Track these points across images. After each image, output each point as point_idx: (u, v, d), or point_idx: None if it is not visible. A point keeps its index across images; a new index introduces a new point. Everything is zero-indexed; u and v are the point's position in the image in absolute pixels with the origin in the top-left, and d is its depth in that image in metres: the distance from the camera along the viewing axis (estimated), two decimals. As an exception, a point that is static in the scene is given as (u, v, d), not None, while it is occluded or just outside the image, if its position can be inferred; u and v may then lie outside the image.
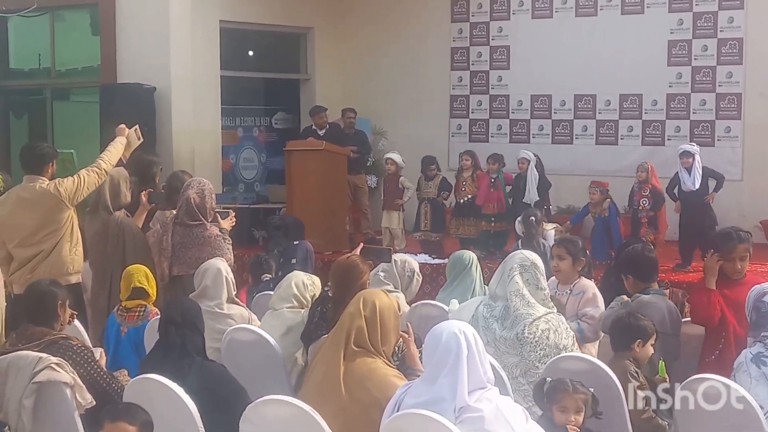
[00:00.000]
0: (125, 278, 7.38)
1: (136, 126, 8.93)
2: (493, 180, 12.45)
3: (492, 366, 5.48)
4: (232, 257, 7.97)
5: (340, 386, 5.01)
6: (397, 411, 4.54)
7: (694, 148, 11.59)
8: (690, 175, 11.44)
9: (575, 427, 4.98)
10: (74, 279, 8.14)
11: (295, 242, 10.03)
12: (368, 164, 15.15)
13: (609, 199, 11.75)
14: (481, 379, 4.41)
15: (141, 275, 7.34)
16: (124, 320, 7.23)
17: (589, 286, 7.15)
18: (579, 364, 5.61)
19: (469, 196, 12.60)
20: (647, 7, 14.42)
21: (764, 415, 5.07)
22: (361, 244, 7.48)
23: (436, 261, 12.31)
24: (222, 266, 7.06)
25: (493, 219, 12.42)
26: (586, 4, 14.85)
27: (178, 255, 7.95)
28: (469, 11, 15.85)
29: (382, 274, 7.83)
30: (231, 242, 8.09)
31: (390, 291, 7.52)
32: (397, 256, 8.09)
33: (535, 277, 6.11)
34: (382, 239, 13.10)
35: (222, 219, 8.14)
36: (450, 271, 7.99)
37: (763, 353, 5.39)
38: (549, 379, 5.20)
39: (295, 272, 7.19)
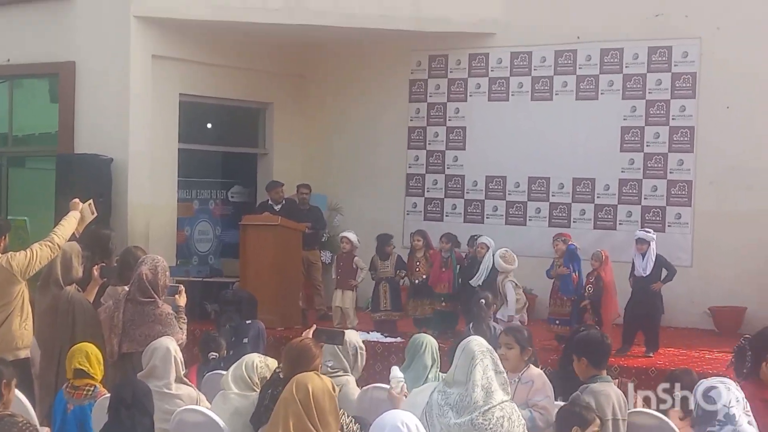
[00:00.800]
0: (68, 358, 7.34)
1: (90, 201, 8.93)
2: (445, 259, 12.54)
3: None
4: (185, 336, 7.94)
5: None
6: None
7: (650, 235, 11.69)
8: (643, 260, 11.57)
9: None
10: (23, 354, 8.09)
11: (248, 321, 10.01)
12: (323, 240, 15.19)
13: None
14: None
15: (82, 356, 7.27)
16: (71, 398, 7.17)
17: (538, 375, 7.20)
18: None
19: (424, 276, 12.67)
20: (601, 93, 14.69)
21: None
22: (314, 326, 7.47)
23: (388, 339, 12.31)
24: (171, 345, 7.03)
25: (443, 298, 12.48)
26: (541, 88, 15.10)
27: (128, 332, 7.86)
28: (427, 92, 16.07)
29: (330, 363, 7.77)
30: (186, 320, 8.08)
31: (340, 376, 7.53)
32: None
33: (494, 363, 6.16)
34: (333, 317, 13.09)
35: (172, 295, 8.13)
36: (407, 353, 8.00)
37: (708, 448, 5.46)
38: None
39: (251, 356, 7.16)
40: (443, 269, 12.52)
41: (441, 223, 15.27)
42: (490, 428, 5.95)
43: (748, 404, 5.52)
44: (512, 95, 15.39)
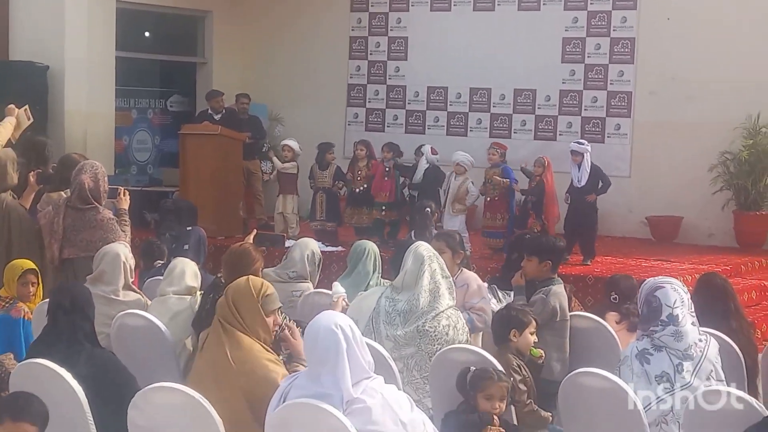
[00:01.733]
0: None
1: (26, 106, 8.83)
2: (387, 169, 12.53)
3: (384, 357, 5.59)
4: (129, 239, 7.91)
5: (230, 368, 5.03)
6: (283, 402, 4.58)
7: (583, 146, 11.67)
8: (579, 171, 11.61)
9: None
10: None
11: (188, 228, 9.94)
12: (263, 150, 15.09)
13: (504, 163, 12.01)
14: (364, 368, 4.47)
15: None
16: None
17: (472, 278, 7.31)
18: (467, 356, 5.71)
19: (364, 186, 12.65)
20: (543, 4, 14.61)
21: (644, 410, 5.22)
22: (255, 231, 7.49)
23: (329, 249, 12.32)
24: (122, 251, 7.02)
25: (384, 207, 12.49)
26: (483, -2, 15.03)
27: (69, 238, 7.88)
28: (369, 1, 15.89)
29: (293, 271, 7.84)
30: (129, 223, 8.04)
31: (301, 283, 7.59)
32: (301, 244, 8.10)
33: (441, 267, 6.30)
34: (275, 225, 13.07)
35: (113, 198, 8.09)
36: (349, 260, 8.05)
37: (648, 350, 5.50)
38: (473, 368, 5.33)
39: (186, 261, 7.15)
40: (385, 178, 12.52)
41: (382, 134, 15.20)
42: (436, 336, 6.07)
43: (693, 305, 5.61)
44: (454, 5, 15.27)
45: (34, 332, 6.49)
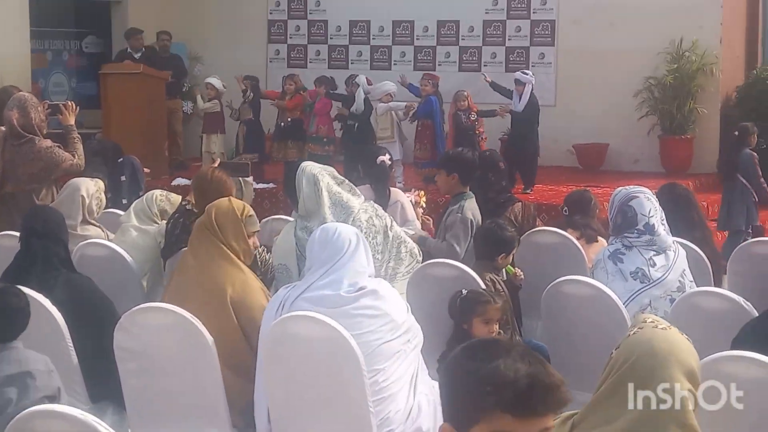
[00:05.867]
0: None
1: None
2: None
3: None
4: (79, 158, 7.74)
5: (220, 280, 4.94)
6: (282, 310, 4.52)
7: (528, 77, 11.79)
8: (520, 101, 11.69)
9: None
10: None
11: (120, 159, 9.70)
12: (184, 89, 14.82)
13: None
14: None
15: None
16: None
17: (399, 194, 7.24)
18: (448, 271, 5.67)
19: (289, 120, 12.53)
20: (460, -64, 14.55)
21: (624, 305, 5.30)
22: (218, 160, 7.34)
23: (261, 185, 12.19)
24: (83, 187, 6.93)
25: (325, 140, 12.41)
26: (401, -72, 14.87)
27: (9, 172, 7.65)
28: (286, -65, 15.65)
29: None
30: (79, 138, 7.89)
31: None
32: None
33: (332, 176, 5.91)
34: (202, 164, 12.83)
35: (54, 115, 7.97)
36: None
37: (620, 250, 5.59)
38: (465, 291, 5.20)
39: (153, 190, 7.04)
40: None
41: (305, 70, 15.01)
42: (367, 231, 5.75)
43: (663, 214, 5.68)
44: (372, -62, 15.12)
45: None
